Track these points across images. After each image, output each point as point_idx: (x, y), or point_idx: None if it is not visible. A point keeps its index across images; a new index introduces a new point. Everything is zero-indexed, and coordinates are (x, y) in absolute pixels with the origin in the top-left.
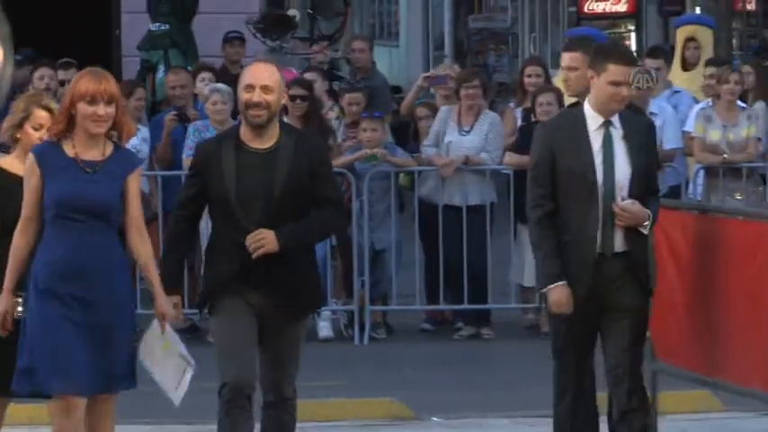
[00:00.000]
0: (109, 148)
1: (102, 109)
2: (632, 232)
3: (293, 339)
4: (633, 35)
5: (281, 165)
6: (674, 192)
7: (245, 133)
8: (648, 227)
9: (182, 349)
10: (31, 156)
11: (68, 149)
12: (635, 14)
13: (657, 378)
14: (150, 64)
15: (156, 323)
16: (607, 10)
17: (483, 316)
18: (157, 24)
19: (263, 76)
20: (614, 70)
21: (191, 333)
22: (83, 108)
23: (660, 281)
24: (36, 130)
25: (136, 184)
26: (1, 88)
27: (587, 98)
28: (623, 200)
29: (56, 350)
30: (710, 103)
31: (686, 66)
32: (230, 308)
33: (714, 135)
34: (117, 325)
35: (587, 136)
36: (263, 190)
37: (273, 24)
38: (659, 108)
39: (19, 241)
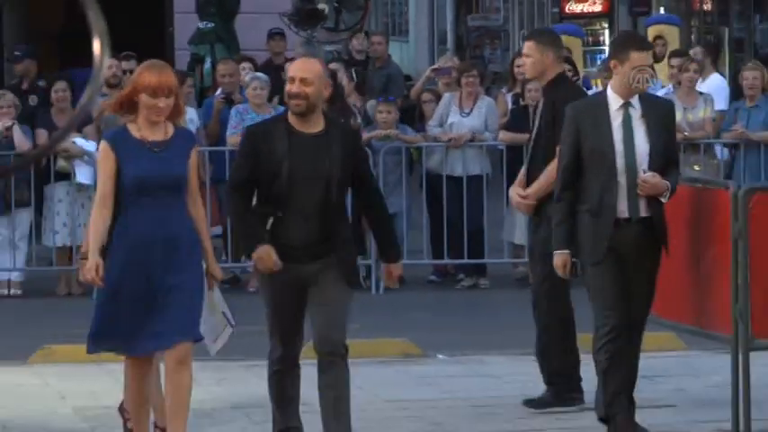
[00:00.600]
0: (170, 129)
1: (162, 101)
2: (653, 200)
3: (342, 300)
4: (606, 32)
5: (334, 148)
6: None
7: (293, 119)
8: (668, 196)
9: (225, 309)
10: (104, 141)
11: (134, 132)
12: (608, 14)
13: None
14: (198, 57)
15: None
16: (584, 10)
17: (480, 269)
18: (205, 22)
19: (302, 69)
20: (637, 57)
21: (233, 284)
22: (145, 99)
23: None
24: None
25: (195, 159)
26: (98, 81)
27: (610, 84)
28: (645, 173)
29: (125, 323)
30: (672, 89)
31: (655, 59)
32: (279, 283)
33: (676, 116)
34: (186, 279)
35: (608, 116)
36: (316, 170)
37: (306, 17)
38: None
39: (102, 213)
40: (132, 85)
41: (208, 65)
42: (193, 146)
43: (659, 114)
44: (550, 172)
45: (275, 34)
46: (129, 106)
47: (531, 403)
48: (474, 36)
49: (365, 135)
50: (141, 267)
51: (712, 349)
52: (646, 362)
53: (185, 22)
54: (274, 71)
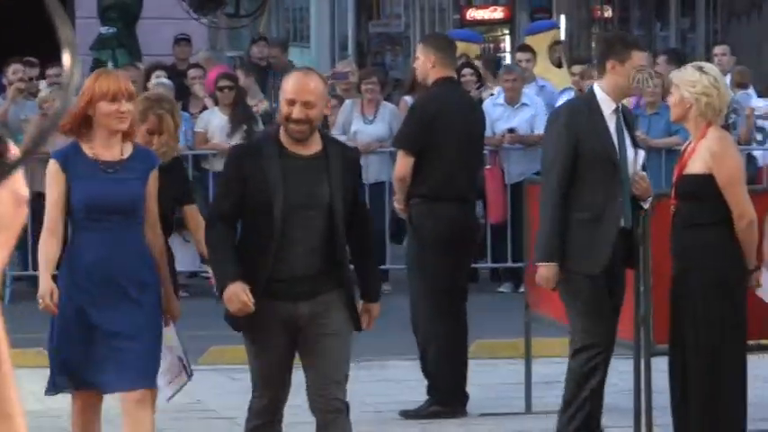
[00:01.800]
0: (128, 148)
1: (123, 106)
2: (638, 209)
3: (342, 345)
4: (507, 39)
5: (333, 171)
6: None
7: (285, 138)
8: (649, 202)
9: (181, 354)
10: (53, 161)
11: (87, 150)
12: (509, 21)
13: (531, 326)
14: (101, 62)
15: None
16: (486, 17)
17: (383, 274)
18: (107, 27)
19: (305, 91)
20: (638, 57)
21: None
22: (104, 107)
23: (533, 242)
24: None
25: (154, 182)
26: (70, 94)
27: (600, 85)
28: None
29: (76, 354)
30: (574, 95)
31: (556, 64)
32: (267, 323)
33: None
34: (142, 317)
35: (605, 120)
36: (314, 198)
37: (205, 1)
38: (530, 99)
39: (49, 241)
40: (87, 96)
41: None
42: (153, 167)
43: (628, 118)
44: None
45: (181, 40)
46: (83, 122)
47: (407, 414)
48: (375, 42)
49: None
50: (90, 302)
51: (615, 355)
52: (548, 367)
53: (87, 27)
54: (178, 77)
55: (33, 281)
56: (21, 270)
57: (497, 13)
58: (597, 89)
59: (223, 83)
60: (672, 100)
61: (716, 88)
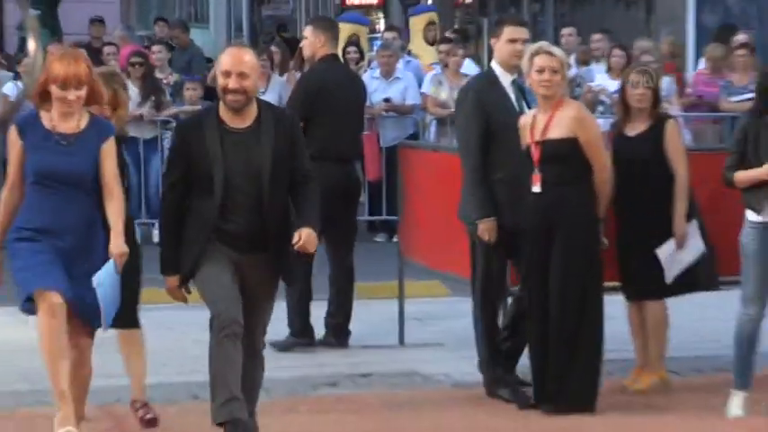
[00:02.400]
0: (84, 120)
1: (72, 94)
2: None
3: (269, 294)
4: (382, 21)
5: (264, 142)
6: (414, 136)
7: (224, 113)
8: None
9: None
10: (12, 127)
11: (46, 121)
12: (383, 6)
13: (403, 271)
14: (25, 41)
15: (111, 261)
16: (362, 2)
17: None
18: (32, 10)
19: (239, 63)
20: (510, 30)
21: None
22: (55, 91)
23: (406, 202)
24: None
25: (110, 147)
26: (34, 76)
27: (495, 62)
28: None
29: (38, 264)
30: (440, 71)
31: (429, 42)
32: (215, 261)
33: (443, 94)
34: (86, 278)
35: (505, 91)
36: (249, 167)
37: None
38: (402, 74)
39: (7, 199)
40: (45, 75)
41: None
42: (107, 137)
43: (523, 91)
44: None
45: (95, 20)
46: (45, 96)
47: (274, 345)
48: (267, 24)
49: (174, 110)
50: (38, 242)
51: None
52: (417, 306)
53: (15, 9)
54: (94, 54)
55: None
56: None
57: None
58: (495, 65)
59: (134, 59)
60: None
61: (565, 67)
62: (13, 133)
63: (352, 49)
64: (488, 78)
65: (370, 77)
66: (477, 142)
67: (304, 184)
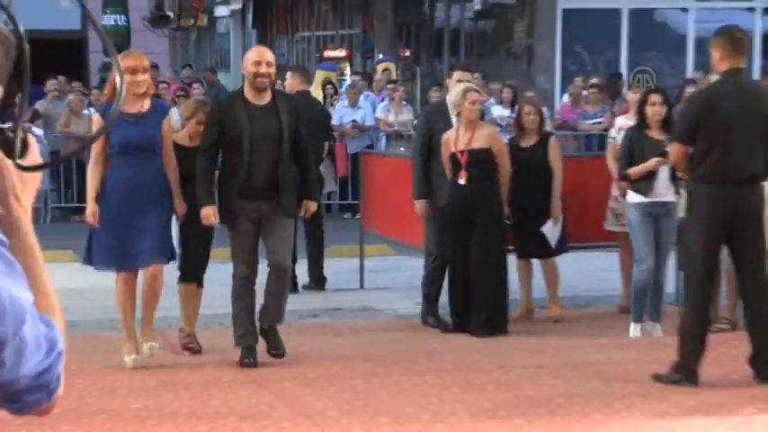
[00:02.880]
0: (147, 104)
1: (140, 76)
2: None
3: (287, 229)
4: (348, 69)
5: (281, 115)
6: (370, 147)
7: (249, 93)
8: None
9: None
10: (96, 114)
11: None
12: (350, 58)
13: (363, 238)
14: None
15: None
16: (335, 56)
17: None
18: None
19: (265, 55)
20: (456, 75)
21: None
22: (129, 78)
23: (365, 191)
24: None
25: (168, 124)
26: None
27: (447, 97)
28: None
29: (116, 246)
30: (388, 102)
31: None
32: (241, 222)
33: (390, 118)
34: (158, 216)
35: (450, 118)
36: (269, 133)
37: (158, 19)
38: (363, 103)
39: (95, 168)
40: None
41: None
42: (165, 114)
43: None
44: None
45: (152, 66)
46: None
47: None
48: None
49: None
50: (123, 207)
51: (413, 255)
52: (373, 262)
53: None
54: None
55: (66, 210)
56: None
57: (342, 53)
58: (447, 98)
59: (179, 93)
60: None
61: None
62: (96, 118)
63: (329, 87)
64: (440, 105)
65: (341, 106)
66: (421, 149)
67: (306, 157)
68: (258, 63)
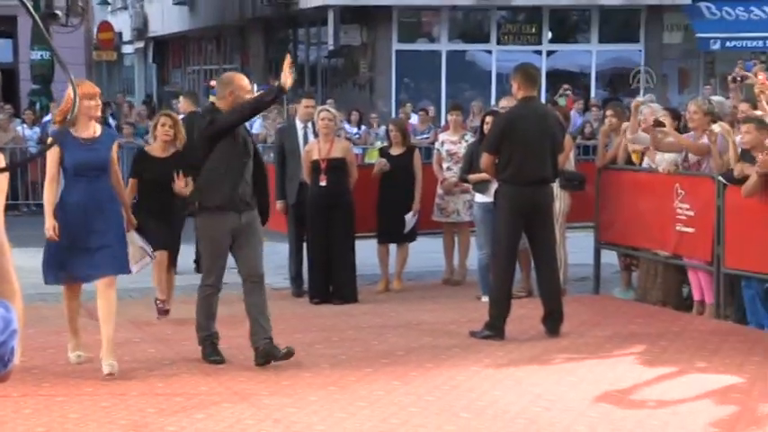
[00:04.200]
0: (98, 129)
1: (96, 101)
2: None
3: (259, 238)
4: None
5: (249, 140)
6: None
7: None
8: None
9: (142, 244)
10: (51, 138)
11: (73, 131)
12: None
13: None
14: None
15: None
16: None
17: None
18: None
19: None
20: (305, 101)
21: None
22: (86, 103)
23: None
24: (163, 126)
25: (115, 148)
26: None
27: (297, 117)
28: None
29: (69, 263)
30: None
31: None
32: (223, 228)
33: (264, 133)
34: (111, 230)
35: (297, 132)
36: (247, 151)
37: None
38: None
39: (51, 187)
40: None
41: None
42: (115, 139)
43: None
44: None
45: None
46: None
47: None
48: (167, 96)
49: None
50: (78, 226)
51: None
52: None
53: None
54: None
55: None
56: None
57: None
58: (296, 119)
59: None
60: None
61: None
62: (52, 142)
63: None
64: (289, 124)
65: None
66: (277, 159)
67: (262, 171)
68: (251, 92)
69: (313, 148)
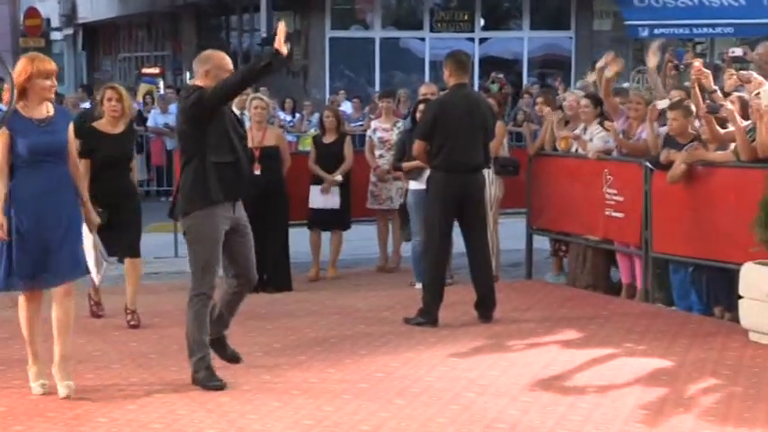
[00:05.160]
0: (51, 108)
1: (52, 81)
2: None
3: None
4: (162, 83)
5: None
6: None
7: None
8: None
9: (102, 249)
10: None
11: (24, 113)
12: (163, 74)
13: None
14: None
15: (85, 227)
16: (152, 72)
17: None
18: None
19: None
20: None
21: None
22: (41, 82)
23: (175, 180)
24: (110, 100)
25: (71, 130)
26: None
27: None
28: None
29: (29, 262)
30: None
31: None
32: (220, 232)
33: None
34: (71, 227)
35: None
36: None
37: None
38: (173, 110)
39: (1, 180)
40: (26, 74)
41: None
42: (71, 120)
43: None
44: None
45: None
46: (22, 94)
47: None
48: (96, 81)
49: None
50: (34, 220)
51: None
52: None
53: None
54: None
55: None
56: None
57: (156, 70)
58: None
59: None
60: None
61: (270, 107)
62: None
63: (148, 96)
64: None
65: (155, 112)
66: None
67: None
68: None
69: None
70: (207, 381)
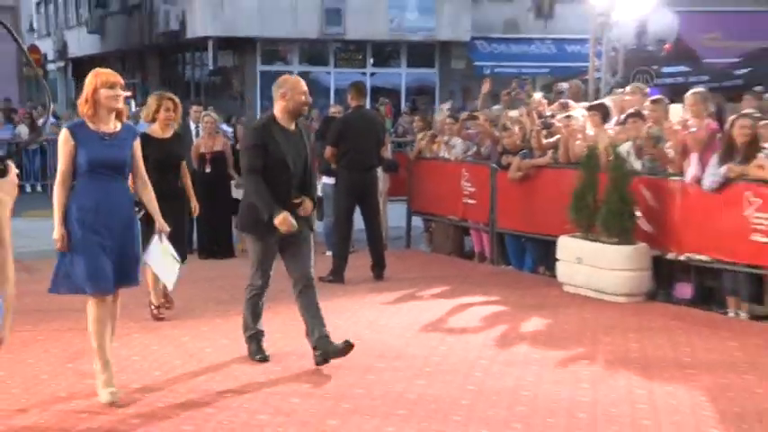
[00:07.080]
0: (118, 124)
1: (117, 91)
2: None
3: (309, 244)
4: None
5: (305, 139)
6: None
7: (281, 119)
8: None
9: (173, 252)
10: (65, 130)
11: (92, 125)
12: (144, 84)
13: None
14: None
15: (156, 237)
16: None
17: None
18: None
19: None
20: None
21: None
22: (105, 92)
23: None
24: (167, 110)
25: (137, 146)
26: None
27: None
28: None
29: (91, 265)
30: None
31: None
32: (272, 235)
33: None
34: (129, 243)
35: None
36: (299, 155)
37: None
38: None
39: (62, 188)
40: (93, 87)
41: None
42: (137, 136)
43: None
44: None
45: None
46: (93, 107)
47: None
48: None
49: None
50: (92, 229)
51: None
52: None
53: None
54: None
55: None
56: None
57: (129, 93)
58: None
59: (26, 115)
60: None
61: (218, 121)
62: (65, 134)
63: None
64: (185, 125)
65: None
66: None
67: (311, 168)
68: (306, 93)
69: (200, 144)
70: (254, 353)
